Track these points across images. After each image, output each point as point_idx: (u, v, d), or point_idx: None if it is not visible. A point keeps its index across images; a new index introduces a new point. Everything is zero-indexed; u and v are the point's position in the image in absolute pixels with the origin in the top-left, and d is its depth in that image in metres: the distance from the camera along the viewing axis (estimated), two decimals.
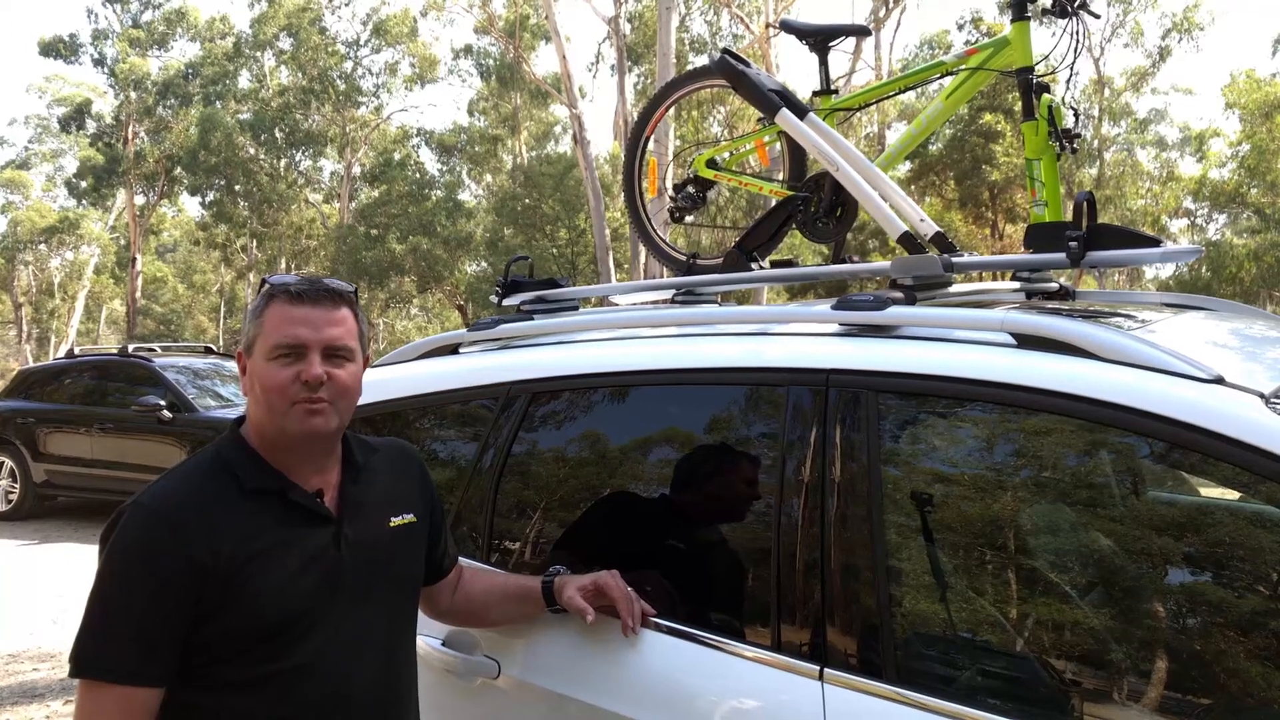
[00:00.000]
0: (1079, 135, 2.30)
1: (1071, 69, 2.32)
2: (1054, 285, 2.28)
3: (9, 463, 9.52)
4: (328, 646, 1.43)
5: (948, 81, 2.42)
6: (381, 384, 2.31)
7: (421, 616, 1.75)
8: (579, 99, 17.64)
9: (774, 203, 2.58)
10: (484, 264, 27.67)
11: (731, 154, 2.82)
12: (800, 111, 2.22)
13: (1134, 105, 29.34)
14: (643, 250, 16.50)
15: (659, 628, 1.68)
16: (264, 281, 1.51)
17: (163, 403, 8.54)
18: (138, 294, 34.81)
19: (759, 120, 2.68)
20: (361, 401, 2.26)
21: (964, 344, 1.59)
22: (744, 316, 1.93)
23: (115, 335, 39.23)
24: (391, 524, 1.56)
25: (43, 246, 36.62)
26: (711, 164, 2.76)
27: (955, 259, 1.85)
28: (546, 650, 1.78)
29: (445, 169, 32.71)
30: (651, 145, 2.97)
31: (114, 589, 1.35)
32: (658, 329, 2.10)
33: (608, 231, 17.43)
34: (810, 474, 1.61)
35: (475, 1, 22.15)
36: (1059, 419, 1.46)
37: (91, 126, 34.53)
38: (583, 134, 17.20)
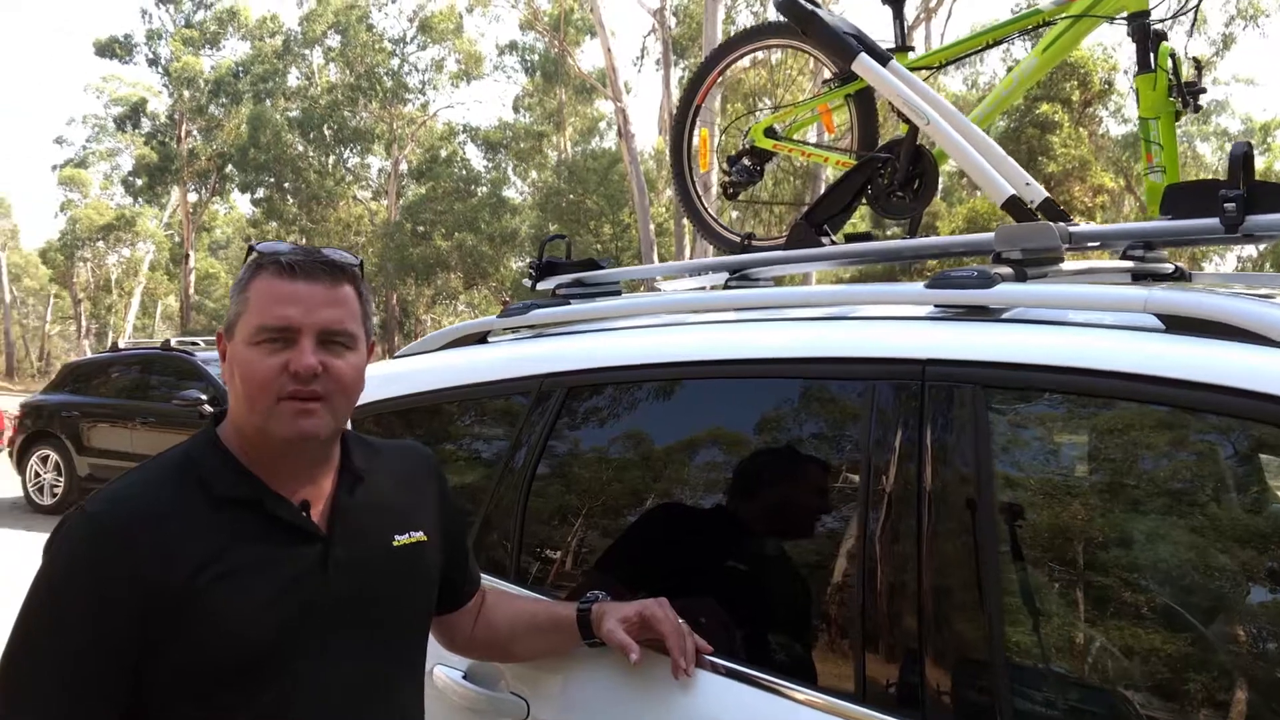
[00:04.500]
0: (1203, 90, 1.98)
1: (1196, 13, 1.99)
2: (1169, 266, 1.96)
3: (54, 456, 9.54)
4: (308, 691, 1.17)
5: (1045, 33, 2.11)
6: (401, 377, 2.07)
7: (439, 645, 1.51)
8: (624, 93, 17.46)
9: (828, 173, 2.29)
10: (529, 260, 27.57)
11: (792, 121, 2.53)
12: (882, 59, 1.92)
13: None
14: (688, 244, 16.23)
15: (716, 668, 1.40)
16: (250, 248, 1.26)
17: (204, 397, 8.49)
18: (191, 290, 35.39)
19: (824, 83, 2.39)
20: (377, 396, 2.03)
21: (1096, 328, 1.29)
22: (817, 298, 1.64)
23: (170, 330, 39.90)
24: (395, 543, 1.30)
25: (100, 243, 37.42)
26: (770, 133, 2.48)
27: (1073, 228, 1.55)
28: (582, 690, 1.52)
29: (491, 165, 32.70)
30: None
31: (45, 618, 1.12)
32: (714, 313, 1.83)
33: (652, 226, 17.20)
34: (901, 484, 1.33)
35: None
36: (1228, 420, 1.16)
37: (146, 125, 35.12)
38: (627, 128, 17.01)
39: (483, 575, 1.58)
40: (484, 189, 30.62)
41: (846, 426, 1.46)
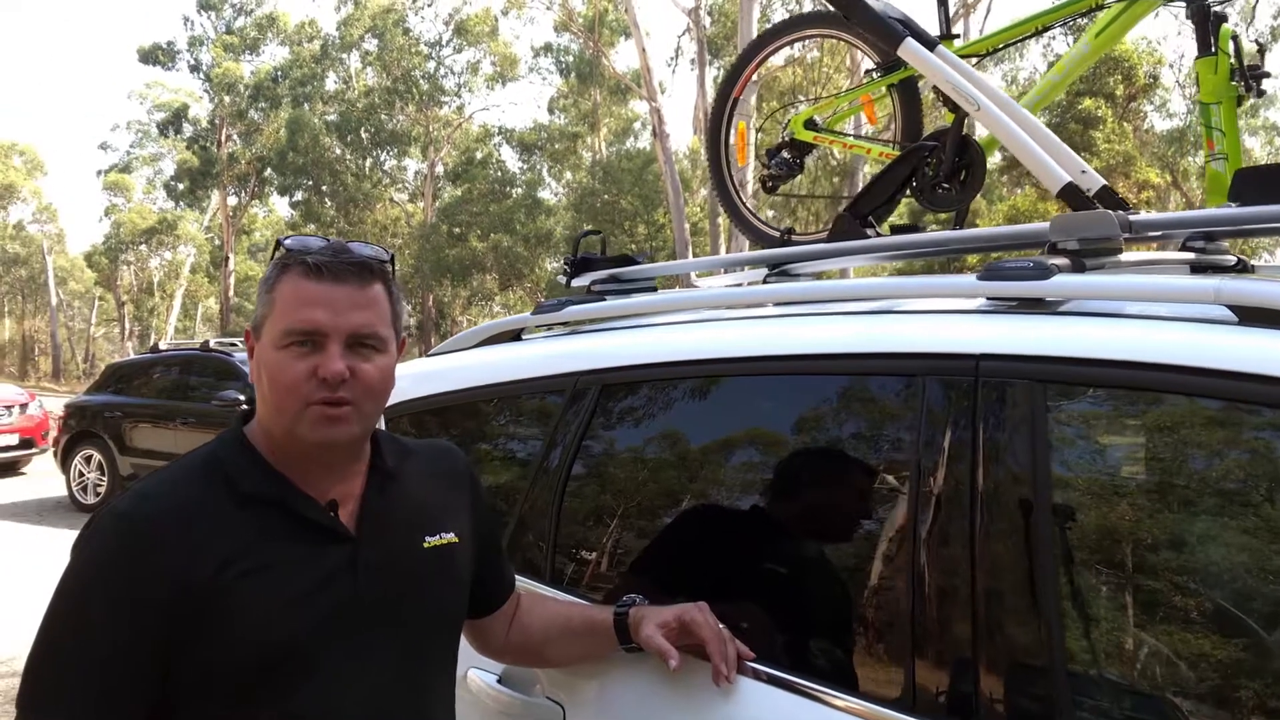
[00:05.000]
0: (1267, 74, 1.89)
1: None
2: (1232, 259, 1.86)
3: (97, 455, 9.69)
4: (334, 693, 1.14)
5: (1098, 17, 2.03)
6: (434, 375, 2.04)
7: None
8: (658, 93, 17.41)
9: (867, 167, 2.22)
10: (564, 259, 27.64)
11: (833, 113, 2.47)
12: (929, 44, 1.85)
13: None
14: (723, 243, 16.13)
15: (758, 675, 1.35)
16: (278, 243, 1.23)
17: (241, 397, 8.55)
18: (230, 292, 35.87)
19: (866, 73, 2.33)
20: (410, 395, 2.00)
21: (1162, 321, 1.22)
22: (861, 291, 1.58)
23: (210, 331, 40.51)
24: (426, 545, 1.26)
25: (143, 247, 38.14)
26: (810, 124, 2.42)
27: (1134, 217, 1.47)
28: (619, 696, 1.47)
29: (526, 166, 32.83)
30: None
31: (74, 617, 1.09)
32: (753, 308, 1.78)
33: (687, 226, 17.12)
34: (952, 485, 1.27)
35: None
36: None
37: (188, 130, 35.70)
38: (662, 128, 16.95)
39: (517, 577, 1.54)
40: (519, 190, 30.74)
41: (894, 425, 1.40)
